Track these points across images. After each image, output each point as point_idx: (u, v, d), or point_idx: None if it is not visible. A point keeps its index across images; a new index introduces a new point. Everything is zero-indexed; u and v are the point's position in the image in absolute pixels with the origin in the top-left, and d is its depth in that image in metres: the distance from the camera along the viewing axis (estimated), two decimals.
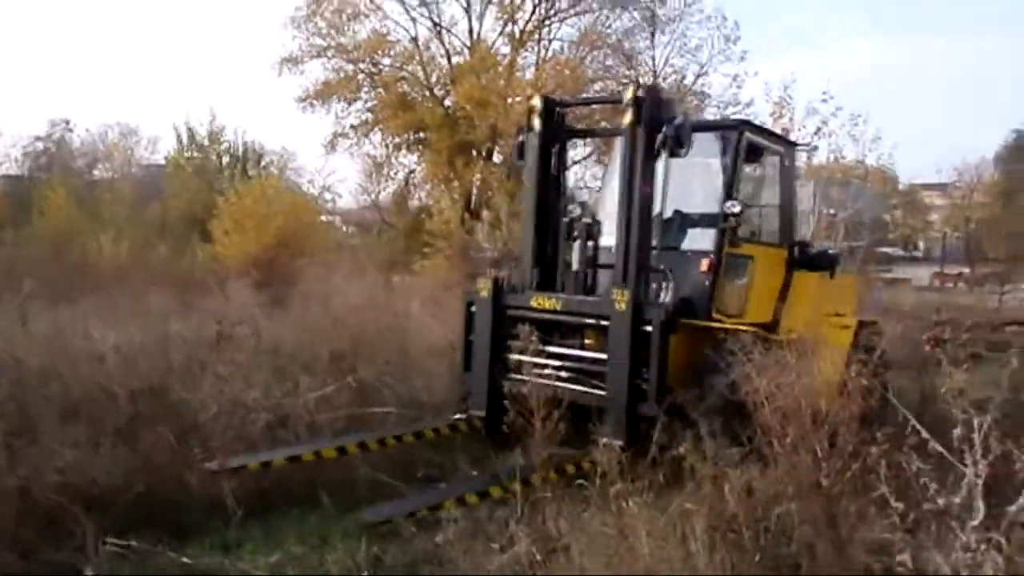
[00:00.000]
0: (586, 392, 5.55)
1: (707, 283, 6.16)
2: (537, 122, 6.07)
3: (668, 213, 6.66)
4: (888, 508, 3.35)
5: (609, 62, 19.61)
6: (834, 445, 4.03)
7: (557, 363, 5.72)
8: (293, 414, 5.56)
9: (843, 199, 14.43)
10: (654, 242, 5.75)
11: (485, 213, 16.66)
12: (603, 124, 9.45)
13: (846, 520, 3.76)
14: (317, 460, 5.04)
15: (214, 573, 3.81)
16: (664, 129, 5.57)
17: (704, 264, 6.17)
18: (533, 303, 5.79)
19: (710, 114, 17.76)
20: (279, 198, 16.05)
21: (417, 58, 20.25)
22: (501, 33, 20.54)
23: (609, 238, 6.00)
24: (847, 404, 4.26)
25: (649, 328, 5.24)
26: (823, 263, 7.36)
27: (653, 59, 19.68)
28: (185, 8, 54.62)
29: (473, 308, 6.12)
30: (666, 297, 5.42)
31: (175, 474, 4.54)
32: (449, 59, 20.54)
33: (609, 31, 20.18)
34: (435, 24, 20.56)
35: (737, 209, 6.01)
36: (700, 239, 6.49)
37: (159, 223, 19.47)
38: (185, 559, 3.85)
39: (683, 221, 6.65)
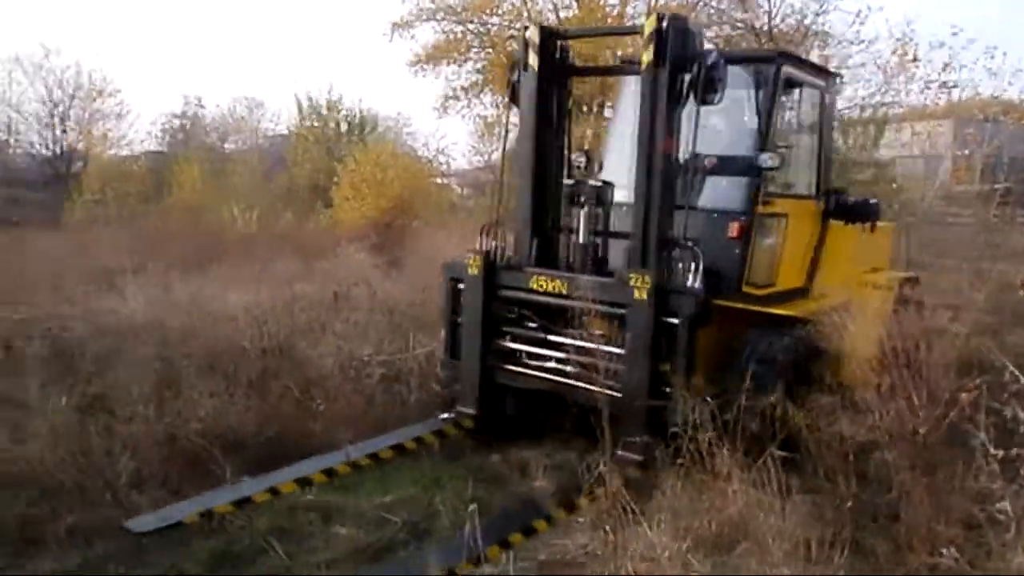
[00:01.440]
0: (596, 392, 4.65)
1: (736, 251, 5.19)
2: (533, 58, 4.93)
3: (687, 163, 5.67)
4: (987, 456, 3.45)
5: (723, 5, 18.05)
6: (930, 393, 3.99)
7: (561, 355, 4.80)
8: (404, 369, 5.80)
9: (980, 138, 13.33)
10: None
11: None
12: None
13: (944, 468, 3.81)
14: None
15: (335, 506, 4.15)
16: (692, 69, 4.48)
17: (733, 229, 5.18)
18: (533, 285, 4.81)
19: (832, 56, 16.37)
20: (394, 163, 16.27)
21: (525, 14, 19.20)
22: None
23: (621, 195, 4.97)
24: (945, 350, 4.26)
25: (674, 320, 4.30)
26: (862, 214, 6.39)
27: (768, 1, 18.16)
28: None
29: (461, 286, 5.13)
30: (695, 280, 4.44)
31: (300, 422, 4.97)
32: (557, 13, 19.37)
33: None
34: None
35: (775, 163, 4.99)
36: (726, 195, 5.48)
37: (285, 192, 20.29)
38: (310, 496, 4.22)
39: (704, 171, 5.63)
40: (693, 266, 4.46)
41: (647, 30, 4.47)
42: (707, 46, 4.59)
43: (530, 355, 4.97)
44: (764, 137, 5.26)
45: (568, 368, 4.78)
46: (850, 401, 4.23)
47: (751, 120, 5.56)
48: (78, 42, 50.57)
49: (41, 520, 3.79)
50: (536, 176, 5.00)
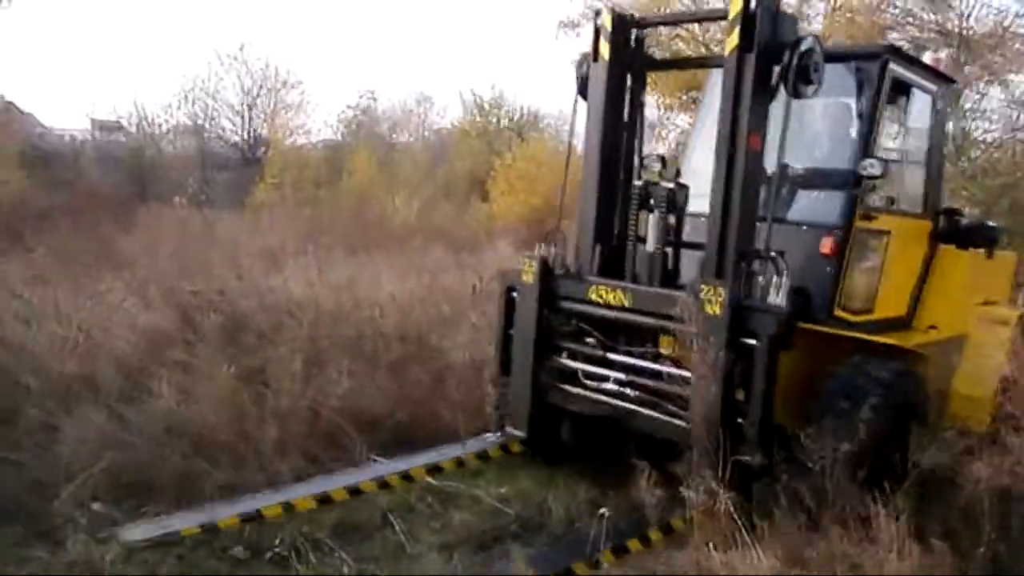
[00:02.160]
0: (661, 421, 4.10)
1: (829, 270, 4.56)
2: (606, 48, 4.47)
3: (773, 165, 5.11)
4: None
5: (910, 5, 17.33)
6: None
7: (622, 376, 4.28)
8: None
9: None
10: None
11: None
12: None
13: None
14: None
15: (452, 494, 4.25)
16: (784, 57, 3.94)
17: (827, 245, 4.56)
18: (593, 295, 4.32)
19: None
20: (550, 160, 16.44)
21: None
22: None
23: (698, 204, 4.43)
24: None
25: (753, 342, 3.72)
26: (978, 238, 5.63)
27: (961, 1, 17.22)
28: None
29: (515, 295, 4.68)
30: (779, 296, 3.85)
31: (431, 407, 5.08)
32: (726, 16, 19.45)
33: None
34: None
35: (877, 171, 4.36)
36: (819, 208, 4.88)
37: (445, 183, 20.84)
38: (431, 480, 4.35)
39: (794, 180, 5.03)
40: (777, 280, 3.87)
41: (732, 11, 3.96)
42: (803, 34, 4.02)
43: (588, 375, 4.46)
44: (866, 143, 4.64)
45: (629, 391, 4.25)
46: (988, 441, 4.05)
47: (852, 124, 4.95)
48: (269, 36, 55.86)
49: (198, 475, 4.10)
50: (603, 177, 4.53)
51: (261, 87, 25.18)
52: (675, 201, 4.24)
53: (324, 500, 3.98)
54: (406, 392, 5.22)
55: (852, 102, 4.79)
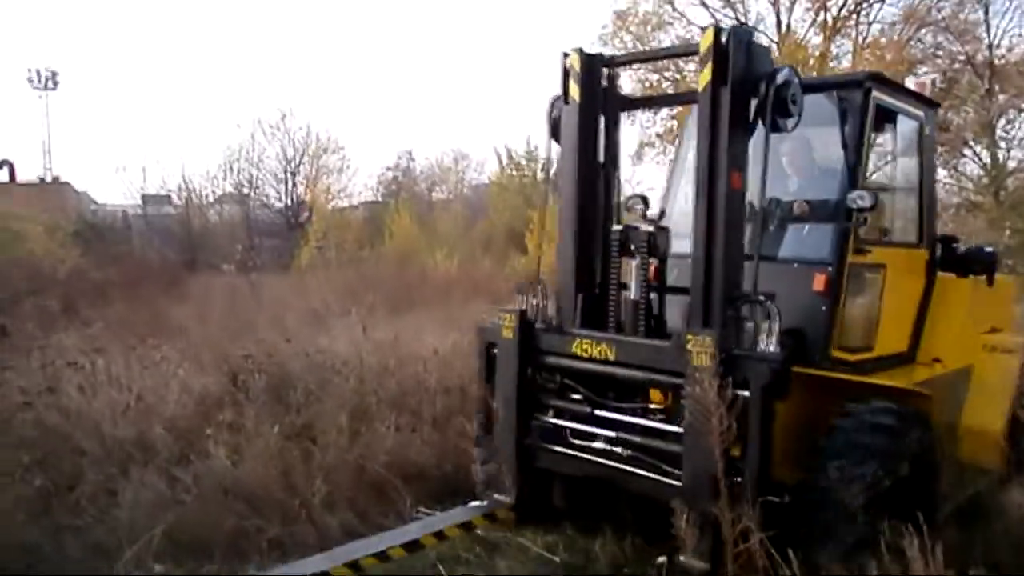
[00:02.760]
0: (653, 481, 3.83)
1: (823, 308, 4.34)
2: (575, 89, 4.30)
3: (758, 202, 4.92)
4: None
5: (939, 38, 17.46)
6: None
7: (611, 434, 4.01)
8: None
9: None
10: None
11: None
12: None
13: None
14: None
15: (499, 543, 4.27)
16: (761, 90, 3.75)
17: (819, 281, 4.34)
18: (576, 349, 4.07)
19: None
20: None
21: None
22: (812, 23, 19.21)
23: (683, 245, 4.22)
24: None
25: (746, 392, 3.47)
26: (976, 265, 5.42)
27: (988, 30, 17.31)
28: (506, 43, 66.04)
29: (496, 350, 4.44)
30: (769, 341, 3.61)
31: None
32: (698, 51, 20.03)
33: (940, 3, 17.68)
34: (740, 22, 19.50)
35: (867, 202, 4.15)
36: (809, 243, 4.67)
37: (485, 238, 21.53)
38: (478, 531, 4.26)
39: (782, 216, 4.84)
40: (768, 326, 3.64)
41: (704, 45, 3.78)
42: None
43: (575, 433, 4.20)
44: (854, 174, 4.45)
45: (619, 450, 3.99)
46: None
47: (837, 156, 4.76)
48: (309, 104, 60.85)
49: (248, 532, 4.21)
50: (580, 223, 4.31)
51: (303, 153, 26.65)
52: (655, 245, 4.02)
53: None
54: (451, 443, 5.33)
55: (837, 133, 4.60)
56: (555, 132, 4.45)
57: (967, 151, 16.68)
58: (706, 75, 3.76)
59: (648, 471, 3.84)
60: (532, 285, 4.52)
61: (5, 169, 27.58)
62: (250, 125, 30.67)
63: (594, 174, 4.36)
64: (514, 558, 4.11)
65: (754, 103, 3.77)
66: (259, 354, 6.42)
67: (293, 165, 26.48)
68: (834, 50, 18.30)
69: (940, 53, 16.75)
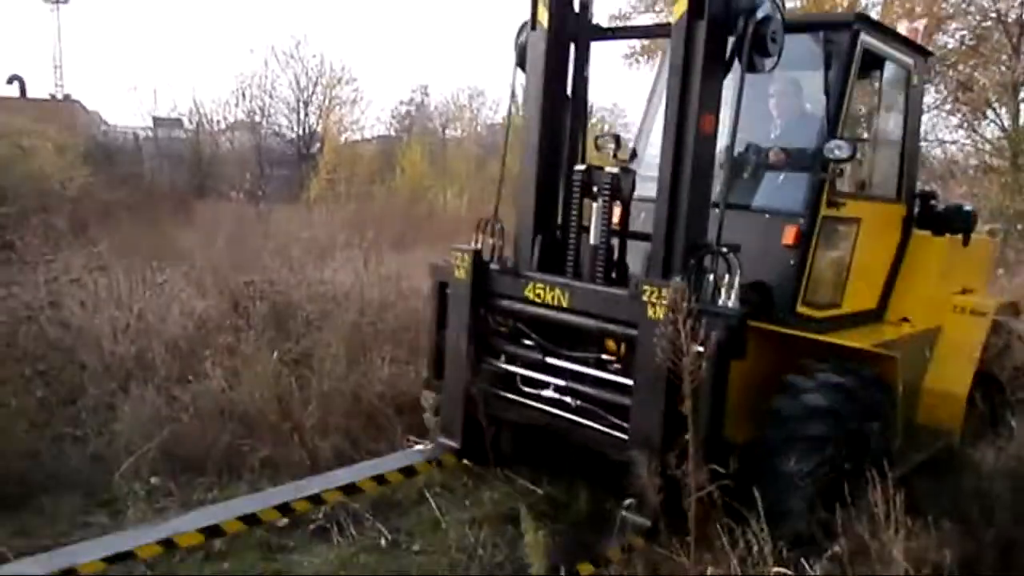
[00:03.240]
0: (601, 434, 3.70)
1: (792, 263, 4.17)
2: (544, 14, 3.99)
3: (736, 148, 4.70)
4: None
5: None
6: None
7: (562, 383, 3.87)
8: None
9: None
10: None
11: None
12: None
13: None
14: None
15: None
16: (739, 25, 3.49)
17: (789, 234, 4.16)
18: (529, 293, 3.88)
19: None
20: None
21: None
22: None
23: (651, 189, 4.00)
24: None
25: (700, 349, 3.32)
26: (955, 223, 5.25)
27: None
28: None
29: (449, 290, 4.24)
30: (730, 296, 3.43)
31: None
32: (783, 5, 18.95)
33: None
34: None
35: (845, 153, 3.94)
36: (782, 194, 4.46)
37: (497, 178, 20.84)
38: (466, 460, 4.25)
39: (757, 163, 4.62)
40: (728, 279, 3.46)
41: None
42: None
43: (526, 380, 4.05)
44: (834, 122, 4.22)
45: (569, 400, 3.85)
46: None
47: (818, 101, 4.52)
48: (324, 33, 57.75)
49: (241, 451, 4.36)
50: (543, 160, 4.07)
51: (316, 84, 25.94)
52: (619, 187, 3.79)
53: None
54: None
55: (819, 77, 4.34)
56: (522, 60, 4.16)
57: (989, 113, 16.31)
58: (681, 6, 3.48)
59: (597, 423, 3.71)
60: (490, 223, 4.30)
61: (15, 85, 27.05)
62: (264, 51, 31.65)
63: (561, 107, 4.10)
64: (498, 490, 4.10)
65: (731, 40, 3.50)
66: (262, 282, 6.44)
67: (306, 95, 25.93)
68: (863, 1, 17.70)
69: (972, 9, 16.20)
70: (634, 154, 4.97)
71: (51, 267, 6.62)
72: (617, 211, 3.96)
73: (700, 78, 3.47)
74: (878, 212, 4.81)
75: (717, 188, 3.79)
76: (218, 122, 24.49)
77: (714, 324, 3.26)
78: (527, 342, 4.04)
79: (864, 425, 3.67)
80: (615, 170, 3.78)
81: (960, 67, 16.13)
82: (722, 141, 3.71)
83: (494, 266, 4.11)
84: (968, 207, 5.43)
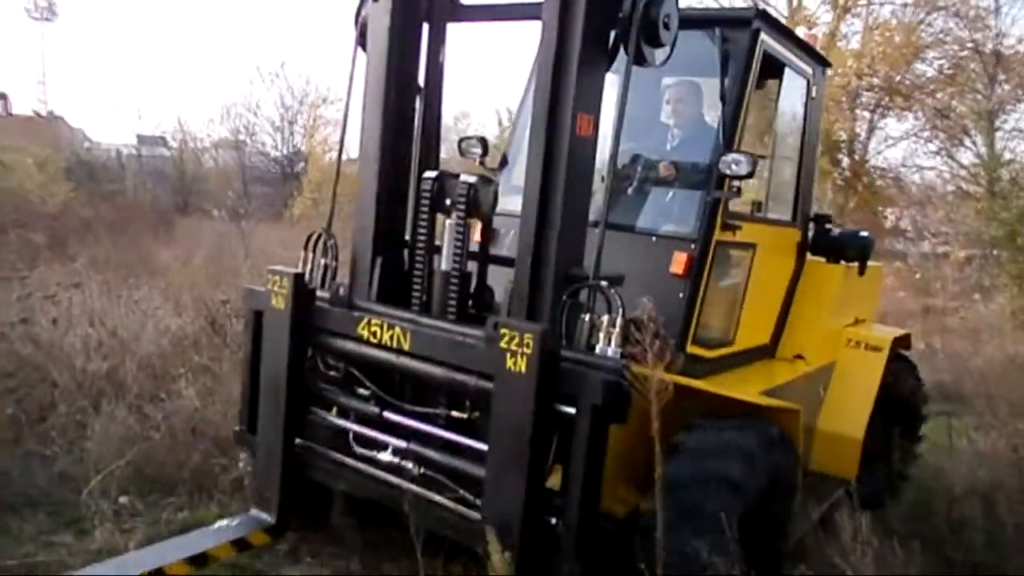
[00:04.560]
0: (447, 512, 2.93)
1: (680, 295, 3.55)
2: None
3: (620, 158, 4.09)
4: None
5: (949, 24, 16.69)
6: None
7: (402, 444, 3.07)
8: None
9: None
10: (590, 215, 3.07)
11: None
12: None
13: None
14: None
15: None
16: (625, 5, 2.81)
17: (679, 262, 3.54)
18: (363, 331, 3.07)
19: None
20: None
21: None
22: (824, 0, 18.05)
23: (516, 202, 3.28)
24: None
25: (571, 410, 2.61)
26: (851, 250, 4.84)
27: (998, 19, 16.71)
28: None
29: (264, 322, 3.37)
30: (610, 342, 2.74)
31: None
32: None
33: None
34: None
35: (745, 168, 3.36)
36: (669, 213, 3.88)
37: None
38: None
39: (643, 177, 4.02)
40: (608, 319, 2.77)
41: None
42: None
43: (360, 439, 3.23)
44: (731, 134, 3.64)
45: (410, 466, 3.06)
46: None
47: (712, 109, 3.96)
48: (310, 54, 54.74)
49: (213, 472, 4.18)
50: (386, 163, 3.27)
51: (301, 103, 25.58)
52: (476, 200, 3.04)
53: None
54: None
55: (713, 79, 3.77)
56: (363, 38, 3.35)
57: (966, 140, 16.83)
58: None
59: (443, 497, 2.93)
60: (322, 239, 3.47)
61: (0, 101, 27.54)
62: (249, 71, 32.09)
63: (408, 99, 3.32)
64: None
65: (616, 25, 2.83)
66: (238, 300, 5.93)
67: (291, 114, 25.73)
68: (844, 29, 18.03)
69: (948, 39, 16.72)
70: (504, 161, 4.27)
71: (25, 283, 6.60)
72: (478, 229, 3.22)
73: (576, 69, 2.77)
74: (773, 237, 4.30)
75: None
76: (202, 140, 24.56)
77: (590, 380, 2.56)
78: (363, 391, 3.22)
79: (769, 495, 3.08)
80: (471, 178, 3.03)
81: (938, 95, 16.64)
82: (607, 150, 3.03)
83: (322, 293, 3.28)
84: (865, 232, 5.03)
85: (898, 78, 16.67)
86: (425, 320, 3.00)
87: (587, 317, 2.79)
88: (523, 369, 2.57)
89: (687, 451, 2.96)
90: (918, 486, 4.90)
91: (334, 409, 3.35)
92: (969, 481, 4.23)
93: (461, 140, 4.23)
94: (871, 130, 18.80)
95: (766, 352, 4.47)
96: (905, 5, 17.30)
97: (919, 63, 16.75)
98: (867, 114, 18.56)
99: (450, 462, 2.92)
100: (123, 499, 3.95)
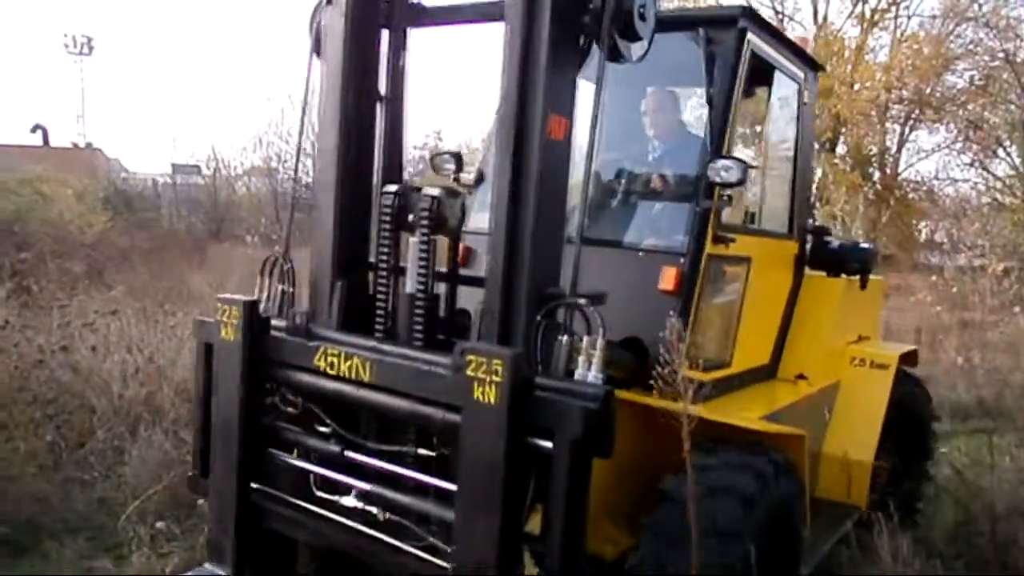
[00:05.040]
0: (417, 561, 2.62)
1: (671, 312, 3.27)
2: None
3: (603, 170, 3.87)
4: None
5: (979, 34, 16.68)
6: None
7: (366, 487, 2.77)
8: None
9: None
10: (567, 231, 2.80)
11: (822, 208, 15.26)
12: None
13: None
14: None
15: None
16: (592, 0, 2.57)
17: (669, 277, 3.28)
18: (320, 362, 2.78)
19: None
20: None
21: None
22: (850, 15, 18.43)
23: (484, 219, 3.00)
24: None
25: (548, 444, 2.32)
26: (852, 263, 4.58)
27: None
28: None
29: (215, 356, 3.08)
30: (590, 367, 2.46)
31: None
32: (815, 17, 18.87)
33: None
34: (776, 12, 18.73)
35: (735, 175, 3.10)
36: (660, 227, 3.62)
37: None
38: None
39: (626, 190, 3.77)
40: (588, 341, 2.49)
41: None
42: None
43: (323, 483, 2.92)
44: (719, 139, 3.40)
45: (375, 511, 2.75)
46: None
47: (698, 114, 3.72)
48: None
49: None
50: (346, 178, 3.01)
51: None
52: (441, 215, 2.77)
53: None
54: None
55: (698, 83, 3.53)
56: (318, 45, 3.11)
57: (1000, 151, 16.67)
58: None
59: (412, 545, 2.63)
60: (278, 263, 3.20)
61: (39, 133, 27.82)
62: (280, 99, 30.95)
63: (368, 110, 3.07)
64: None
65: (587, 19, 2.58)
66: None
67: None
68: (871, 43, 18.06)
69: (979, 49, 16.58)
70: (481, 177, 4.02)
71: (65, 311, 6.74)
72: (455, 248, 2.95)
73: (545, 66, 2.52)
74: (770, 249, 4.04)
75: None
76: (235, 168, 24.74)
77: (567, 411, 2.27)
78: (323, 429, 2.93)
79: (773, 531, 2.79)
80: (435, 191, 2.76)
81: (970, 106, 16.48)
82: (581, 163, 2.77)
83: (278, 322, 2.99)
84: (866, 244, 4.78)
85: (928, 90, 16.58)
86: (388, 348, 2.71)
87: (565, 339, 2.50)
88: (492, 399, 2.28)
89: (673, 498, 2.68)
90: (959, 505, 4.71)
91: (295, 450, 3.05)
92: (1012, 499, 4.13)
93: (434, 156, 3.99)
94: (902, 143, 18.72)
95: (766, 373, 4.19)
96: (934, 17, 17.35)
97: (949, 74, 16.75)
98: (897, 127, 18.51)
99: (418, 505, 2.62)
100: (160, 524, 4.02)
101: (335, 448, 2.83)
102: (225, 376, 2.95)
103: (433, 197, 2.75)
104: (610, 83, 3.09)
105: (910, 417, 4.78)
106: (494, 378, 2.28)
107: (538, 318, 2.55)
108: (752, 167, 3.94)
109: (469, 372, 2.32)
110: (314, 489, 2.92)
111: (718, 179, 3.14)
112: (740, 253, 3.63)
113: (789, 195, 4.30)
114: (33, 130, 28.01)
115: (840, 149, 18.80)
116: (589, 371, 2.44)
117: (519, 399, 2.29)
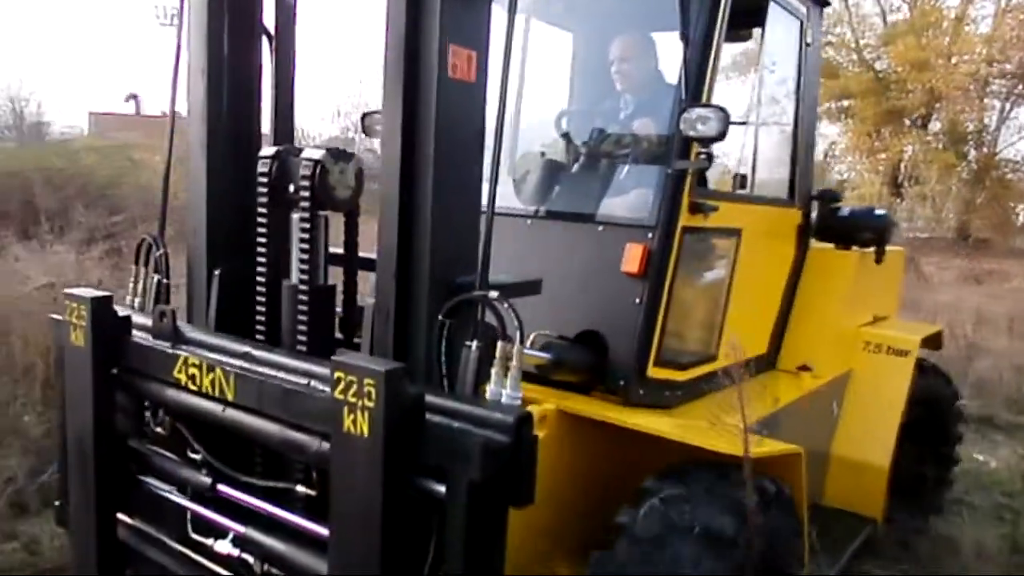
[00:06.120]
0: None
1: (636, 300, 2.67)
2: None
3: (562, 126, 3.27)
4: None
5: None
6: None
7: (242, 529, 2.20)
8: None
9: None
10: (498, 200, 2.17)
11: (911, 189, 14.83)
12: None
13: None
14: None
15: None
16: None
17: (633, 256, 2.67)
18: (180, 374, 2.20)
19: None
20: None
21: (847, 19, 18.07)
22: None
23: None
24: None
25: (440, 488, 1.73)
26: (865, 233, 3.94)
27: None
28: None
29: (65, 363, 2.51)
30: (504, 383, 1.87)
31: None
32: (884, 18, 18.39)
33: None
34: None
35: (714, 128, 2.48)
36: (621, 197, 3.00)
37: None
38: None
39: (589, 152, 3.14)
40: (501, 348, 1.89)
41: None
42: None
43: (195, 521, 2.36)
44: (696, 85, 2.76)
45: (251, 560, 2.19)
46: None
47: (671, 61, 3.07)
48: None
49: None
50: (217, 142, 2.41)
51: None
52: (326, 185, 2.16)
53: None
54: None
55: (671, 24, 2.88)
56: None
57: None
58: None
59: None
60: (152, 248, 2.63)
61: (132, 102, 28.30)
62: (359, 72, 30.12)
63: (249, 51, 2.45)
64: None
65: None
66: None
67: None
68: (972, 12, 17.27)
69: None
70: None
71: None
72: (341, 225, 2.35)
73: None
74: (765, 219, 3.41)
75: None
76: (315, 138, 24.62)
77: (462, 445, 1.68)
78: (193, 455, 2.36)
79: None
80: (317, 154, 2.16)
81: None
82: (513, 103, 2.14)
83: (145, 321, 2.41)
84: (881, 211, 4.12)
85: None
86: (262, 356, 2.12)
87: (474, 346, 1.90)
88: (364, 430, 1.69)
89: (632, 539, 2.08)
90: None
91: (161, 477, 2.48)
92: None
93: (365, 115, 3.38)
94: (1002, 120, 17.93)
95: (763, 364, 3.58)
96: None
97: None
98: (997, 103, 17.76)
99: (297, 556, 2.05)
100: None
101: (205, 480, 2.25)
102: (73, 389, 2.38)
103: (315, 161, 2.15)
104: (581, 30, 2.49)
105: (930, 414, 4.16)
106: (366, 402, 1.68)
107: (440, 317, 1.95)
108: (742, 123, 3.32)
109: (337, 394, 1.73)
110: (189, 529, 2.35)
111: (693, 132, 2.53)
112: (727, 224, 3.01)
113: (790, 155, 3.66)
114: (127, 99, 28.74)
115: (934, 126, 18.12)
116: (503, 388, 1.84)
117: (399, 429, 1.70)
